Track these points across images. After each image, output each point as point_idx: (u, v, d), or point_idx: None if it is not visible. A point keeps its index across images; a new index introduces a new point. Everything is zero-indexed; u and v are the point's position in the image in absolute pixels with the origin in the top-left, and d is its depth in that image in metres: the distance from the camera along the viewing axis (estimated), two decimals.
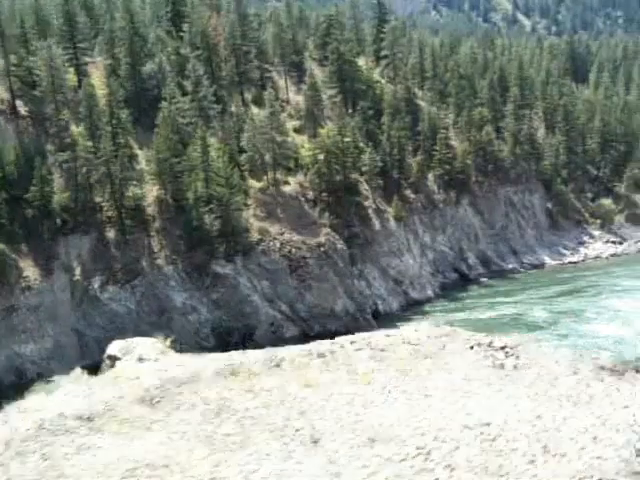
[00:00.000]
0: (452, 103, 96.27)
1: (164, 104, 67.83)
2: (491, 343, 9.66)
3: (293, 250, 63.69)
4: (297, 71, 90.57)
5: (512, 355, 9.28)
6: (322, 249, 64.41)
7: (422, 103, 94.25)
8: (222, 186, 63.64)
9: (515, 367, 8.98)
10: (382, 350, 12.25)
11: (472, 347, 9.52)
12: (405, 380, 10.48)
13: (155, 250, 62.35)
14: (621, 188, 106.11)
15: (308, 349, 12.70)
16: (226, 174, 64.12)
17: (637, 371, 8.42)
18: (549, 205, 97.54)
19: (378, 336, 12.56)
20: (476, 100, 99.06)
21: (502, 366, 8.92)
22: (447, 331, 10.57)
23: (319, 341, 13.22)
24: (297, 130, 79.77)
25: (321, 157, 70.98)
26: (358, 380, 10.76)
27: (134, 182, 64.09)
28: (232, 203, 63.86)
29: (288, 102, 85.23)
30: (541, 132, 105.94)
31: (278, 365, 12.46)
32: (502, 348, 9.39)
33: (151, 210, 64.13)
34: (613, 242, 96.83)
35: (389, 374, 10.69)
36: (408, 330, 11.41)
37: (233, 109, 76.71)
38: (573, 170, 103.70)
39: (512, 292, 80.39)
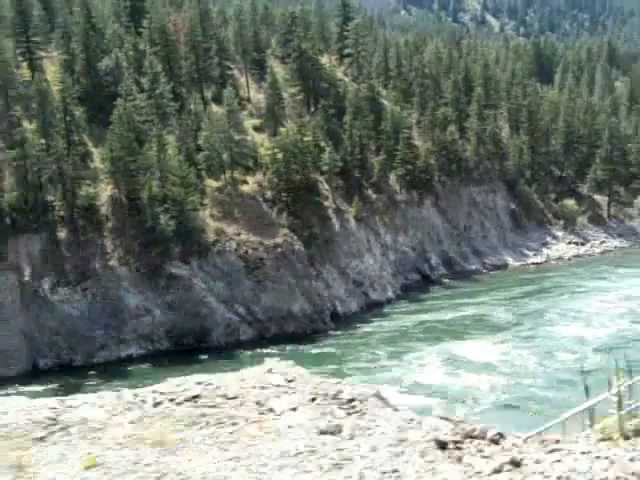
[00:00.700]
0: (416, 102, 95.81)
1: (119, 101, 66.34)
2: (338, 394, 7.70)
3: (250, 251, 62.60)
4: (259, 69, 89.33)
5: (357, 412, 7.23)
6: (279, 250, 63.39)
7: (386, 102, 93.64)
8: (178, 185, 62.33)
9: (352, 435, 6.82)
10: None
11: (314, 399, 7.58)
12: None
13: (108, 251, 60.88)
14: (584, 189, 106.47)
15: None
16: (182, 173, 62.83)
17: (481, 444, 6.24)
18: (512, 205, 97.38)
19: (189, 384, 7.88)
20: (440, 100, 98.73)
21: (338, 430, 6.81)
22: (291, 376, 7.83)
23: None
24: (257, 129, 78.65)
25: (280, 156, 69.86)
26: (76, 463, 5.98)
27: (87, 181, 62.55)
28: (188, 203, 62.62)
29: (249, 100, 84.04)
30: (505, 132, 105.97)
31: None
32: (349, 401, 7.54)
33: (105, 210, 62.60)
34: (576, 243, 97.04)
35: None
36: (241, 375, 7.70)
37: (192, 107, 75.36)
38: (537, 171, 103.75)
39: (474, 293, 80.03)
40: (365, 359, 60.29)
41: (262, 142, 74.66)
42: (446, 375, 55.44)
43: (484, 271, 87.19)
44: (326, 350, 62.72)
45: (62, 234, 60.31)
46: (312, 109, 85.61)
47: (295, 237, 65.60)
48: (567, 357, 58.76)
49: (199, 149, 69.42)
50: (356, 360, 60.06)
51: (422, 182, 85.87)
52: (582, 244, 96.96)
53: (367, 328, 67.71)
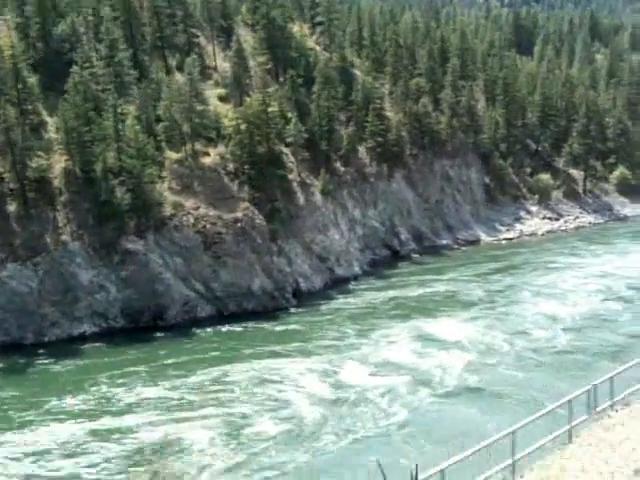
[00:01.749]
0: (389, 73, 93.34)
1: (75, 68, 63.58)
2: None
3: (208, 226, 60.40)
4: (227, 37, 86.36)
5: None
6: (239, 225, 61.20)
7: (358, 73, 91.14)
8: (134, 157, 59.88)
9: None
10: None
11: None
12: None
13: (60, 225, 58.46)
14: (560, 163, 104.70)
15: None
16: (139, 145, 60.33)
17: None
18: (486, 180, 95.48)
19: None
20: (415, 70, 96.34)
21: None
22: None
23: None
24: (223, 99, 75.93)
25: (243, 127, 67.42)
26: None
27: (39, 152, 59.87)
28: (145, 176, 60.20)
29: (215, 69, 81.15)
30: (482, 104, 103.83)
31: None
32: None
33: (57, 182, 60.05)
34: (550, 218, 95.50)
35: None
36: None
37: (154, 76, 72.58)
38: (512, 144, 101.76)
39: (445, 269, 78.44)
40: (331, 337, 58.63)
41: (226, 113, 72.10)
42: (414, 354, 54.02)
43: (455, 246, 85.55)
44: (290, 327, 61.02)
45: (11, 207, 57.77)
46: (281, 79, 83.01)
47: (256, 211, 63.41)
48: (538, 336, 57.64)
49: (159, 120, 66.83)
50: (322, 338, 58.40)
51: (393, 155, 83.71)
52: (556, 219, 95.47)
53: (332, 305, 65.96)
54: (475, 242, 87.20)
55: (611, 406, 22.14)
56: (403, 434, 39.85)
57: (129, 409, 44.81)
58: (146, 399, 46.33)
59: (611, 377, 22.05)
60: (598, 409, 21.67)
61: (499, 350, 53.79)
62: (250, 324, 60.23)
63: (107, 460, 37.91)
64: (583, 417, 21.29)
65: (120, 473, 36.41)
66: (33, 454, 38.72)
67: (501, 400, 44.27)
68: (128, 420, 43.07)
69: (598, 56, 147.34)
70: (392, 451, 37.45)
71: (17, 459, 38.39)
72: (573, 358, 51.42)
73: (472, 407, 43.13)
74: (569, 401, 20.23)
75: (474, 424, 40.21)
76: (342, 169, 77.48)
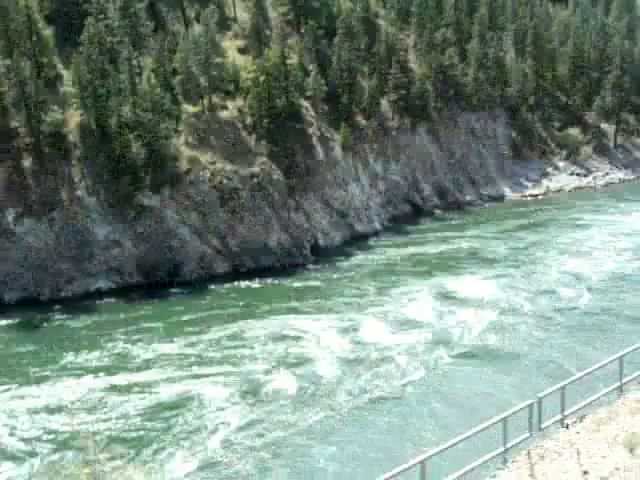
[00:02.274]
0: (414, 24, 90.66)
1: (90, 20, 62.40)
2: None
3: (224, 181, 59.52)
4: None
5: None
6: (256, 180, 60.24)
7: (382, 23, 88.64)
8: (149, 111, 58.91)
9: None
10: None
11: None
12: None
13: (75, 180, 58.00)
14: (590, 118, 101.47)
15: None
16: (154, 98, 59.30)
17: None
18: (513, 134, 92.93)
19: None
20: (441, 21, 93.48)
21: None
22: None
23: None
24: (242, 51, 74.47)
25: (262, 80, 65.93)
26: None
27: (54, 106, 59.16)
28: (160, 130, 59.29)
29: (235, 20, 79.49)
30: (511, 56, 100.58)
31: None
32: None
33: (73, 137, 59.42)
34: (578, 174, 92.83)
35: None
36: None
37: (171, 27, 71.26)
38: (541, 97, 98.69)
39: (468, 225, 77.05)
40: (350, 294, 57.98)
41: (245, 65, 70.60)
42: (434, 312, 53.38)
43: (479, 202, 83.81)
44: (308, 284, 60.41)
45: (27, 162, 57.38)
46: (302, 30, 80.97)
47: (274, 166, 62.34)
48: (561, 295, 56.59)
49: (176, 73, 65.65)
50: (341, 295, 57.77)
51: (416, 108, 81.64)
52: (585, 176, 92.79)
53: (351, 261, 65.15)
54: (499, 198, 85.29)
55: (561, 420, 18.32)
56: (418, 394, 39.33)
57: (146, 365, 44.71)
58: (163, 355, 46.15)
59: (562, 387, 18.08)
60: (543, 425, 17.98)
61: (521, 309, 52.81)
62: (267, 280, 59.70)
63: (125, 415, 37.86)
64: (524, 436, 17.85)
65: (139, 429, 36.20)
66: (50, 409, 38.63)
67: (519, 361, 43.50)
68: (145, 376, 42.97)
69: (639, 2, 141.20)
70: (406, 412, 37.15)
71: (34, 413, 38.43)
72: (596, 319, 50.31)
73: (489, 368, 42.55)
74: (504, 420, 16.72)
75: (489, 386, 39.73)
76: (364, 122, 75.78)
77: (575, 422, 17.68)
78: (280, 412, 37.58)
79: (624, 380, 19.27)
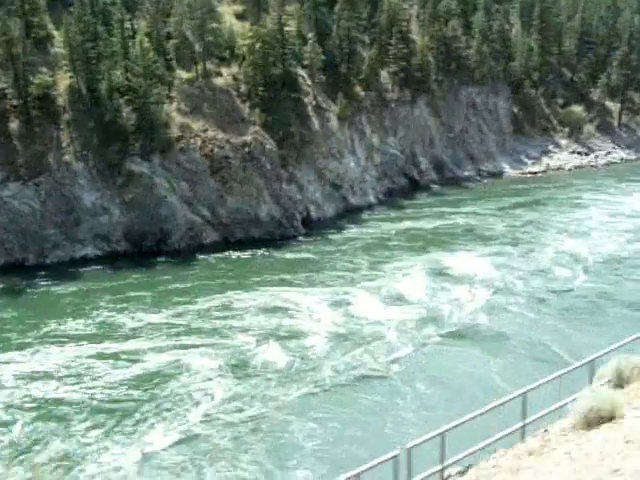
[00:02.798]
0: None
1: None
2: None
3: (215, 149, 58.27)
4: None
5: None
6: (247, 149, 58.98)
7: None
8: (140, 76, 57.53)
9: None
10: None
11: None
12: None
13: (64, 145, 56.79)
14: (595, 95, 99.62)
15: None
16: (145, 62, 57.89)
17: None
18: (515, 109, 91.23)
19: None
20: None
21: None
22: None
23: None
24: (240, 16, 72.74)
25: (258, 47, 64.39)
26: None
27: (43, 68, 57.81)
28: (151, 95, 57.95)
29: None
30: (517, 30, 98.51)
31: None
32: None
33: (62, 100, 58.12)
34: (579, 153, 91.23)
35: None
36: None
37: None
38: (546, 73, 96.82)
39: (465, 201, 75.82)
40: (342, 267, 57.14)
41: (242, 32, 68.95)
42: (426, 289, 52.67)
43: (478, 178, 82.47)
44: (299, 256, 59.52)
45: (14, 125, 56.16)
46: None
47: (267, 136, 61.03)
48: (556, 276, 55.89)
49: (170, 37, 64.13)
50: (332, 268, 56.90)
51: (417, 80, 80.00)
52: (586, 154, 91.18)
53: (344, 235, 64.13)
54: (498, 175, 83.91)
55: (441, 472, 13.51)
56: (403, 373, 38.81)
57: (133, 334, 44.11)
58: (150, 324, 45.52)
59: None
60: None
61: (513, 289, 52.04)
62: (257, 252, 58.83)
63: (110, 384, 37.42)
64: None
65: (123, 399, 35.85)
66: (34, 376, 38.10)
67: (508, 342, 42.92)
68: (131, 345, 42.44)
69: None
70: (389, 391, 36.69)
71: (18, 379, 37.79)
72: (588, 302, 49.56)
73: (477, 348, 41.98)
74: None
75: (475, 366, 39.07)
76: (362, 94, 74.19)
77: (455, 476, 13.49)
78: (265, 386, 37.18)
79: (527, 420, 14.36)
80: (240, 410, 34.98)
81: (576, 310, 48.06)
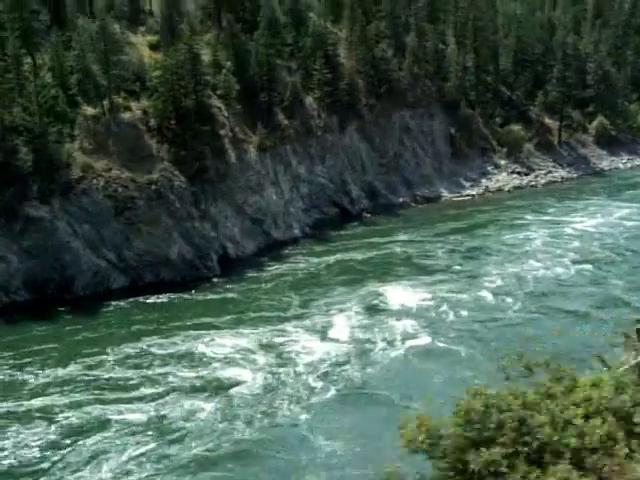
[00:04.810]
0: (347, 16, 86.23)
1: None
2: None
3: (119, 189, 54.86)
4: None
5: None
6: (154, 187, 55.67)
7: (313, 16, 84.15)
8: (36, 114, 54.10)
9: None
10: None
11: None
12: None
13: None
14: (534, 113, 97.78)
15: None
16: (41, 100, 54.49)
17: None
18: (452, 131, 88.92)
19: None
20: (378, 13, 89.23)
21: None
22: None
23: None
24: (154, 47, 69.71)
25: (168, 78, 61.27)
26: None
27: None
28: (50, 134, 54.52)
29: (151, 13, 74.77)
30: (452, 49, 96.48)
31: None
32: None
33: None
34: (519, 173, 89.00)
35: None
36: None
37: (79, 21, 66.23)
38: (482, 92, 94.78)
39: (398, 229, 73.19)
40: (269, 307, 54.65)
41: (154, 62, 65.89)
42: (355, 327, 51.59)
43: (413, 204, 79.77)
44: (219, 296, 56.64)
45: None
46: (224, 24, 76.33)
47: (177, 172, 57.79)
48: (495, 305, 54.42)
49: (73, 72, 60.87)
50: (258, 309, 54.69)
51: (345, 106, 77.32)
52: (526, 174, 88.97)
53: (267, 272, 61.07)
54: (435, 199, 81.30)
55: None
56: (309, 424, 37.71)
57: (41, 391, 41.63)
58: (58, 379, 43.06)
59: None
60: None
61: (448, 321, 50.85)
62: (170, 295, 55.61)
63: (20, 445, 35.76)
64: None
65: (34, 460, 34.44)
66: None
67: (428, 385, 40.45)
68: (39, 403, 40.20)
69: None
70: (298, 445, 35.95)
71: None
72: (520, 332, 47.53)
73: (395, 394, 40.22)
74: None
75: (380, 421, 36.64)
76: (286, 122, 71.28)
77: None
78: (182, 445, 35.85)
79: None
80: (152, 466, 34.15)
81: (504, 344, 46.10)
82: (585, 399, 9.32)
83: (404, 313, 52.25)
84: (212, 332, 49.97)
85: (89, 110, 59.88)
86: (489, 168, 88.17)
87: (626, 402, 9.30)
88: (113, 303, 54.26)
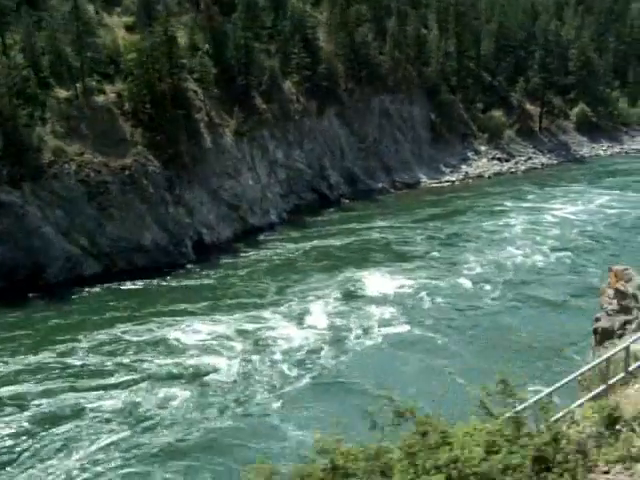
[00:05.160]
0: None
1: None
2: None
3: (92, 174, 53.89)
4: None
5: None
6: (127, 172, 54.73)
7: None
8: (4, 97, 52.87)
9: None
10: None
11: None
12: None
13: None
14: (515, 99, 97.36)
15: None
16: (10, 81, 53.29)
17: None
18: (432, 116, 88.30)
19: None
20: None
21: None
22: None
23: None
24: (130, 28, 68.42)
25: (144, 60, 60.15)
26: None
27: None
28: (20, 117, 53.39)
29: None
30: (434, 34, 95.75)
31: None
32: None
33: None
34: (499, 159, 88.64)
35: None
36: None
37: (51, 1, 64.81)
38: (463, 78, 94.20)
39: (376, 215, 72.70)
40: (245, 294, 53.93)
41: (129, 45, 64.65)
42: (334, 310, 51.05)
43: (392, 190, 79.24)
44: (194, 283, 55.90)
45: None
46: (202, 7, 75.16)
47: (151, 157, 56.84)
48: (473, 292, 54.03)
49: (44, 53, 59.60)
50: (234, 295, 53.82)
51: (324, 90, 76.48)
52: (506, 160, 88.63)
53: (242, 258, 60.41)
54: (414, 185, 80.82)
55: None
56: (282, 410, 37.31)
57: (13, 379, 40.74)
58: (30, 366, 42.13)
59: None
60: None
61: (425, 309, 50.15)
62: (145, 281, 54.89)
63: None
64: None
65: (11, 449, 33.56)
66: None
67: (404, 373, 40.08)
68: (11, 390, 39.36)
69: None
70: (270, 434, 35.09)
71: None
72: (495, 324, 47.36)
73: (369, 382, 39.29)
74: None
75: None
76: (263, 106, 70.37)
77: None
78: (153, 433, 35.22)
79: None
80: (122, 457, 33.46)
81: (479, 335, 45.98)
82: (450, 461, 8.22)
83: (381, 300, 51.73)
84: (187, 319, 49.22)
85: (61, 93, 58.70)
86: (469, 154, 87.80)
87: (494, 467, 8.20)
88: (86, 290, 53.43)
